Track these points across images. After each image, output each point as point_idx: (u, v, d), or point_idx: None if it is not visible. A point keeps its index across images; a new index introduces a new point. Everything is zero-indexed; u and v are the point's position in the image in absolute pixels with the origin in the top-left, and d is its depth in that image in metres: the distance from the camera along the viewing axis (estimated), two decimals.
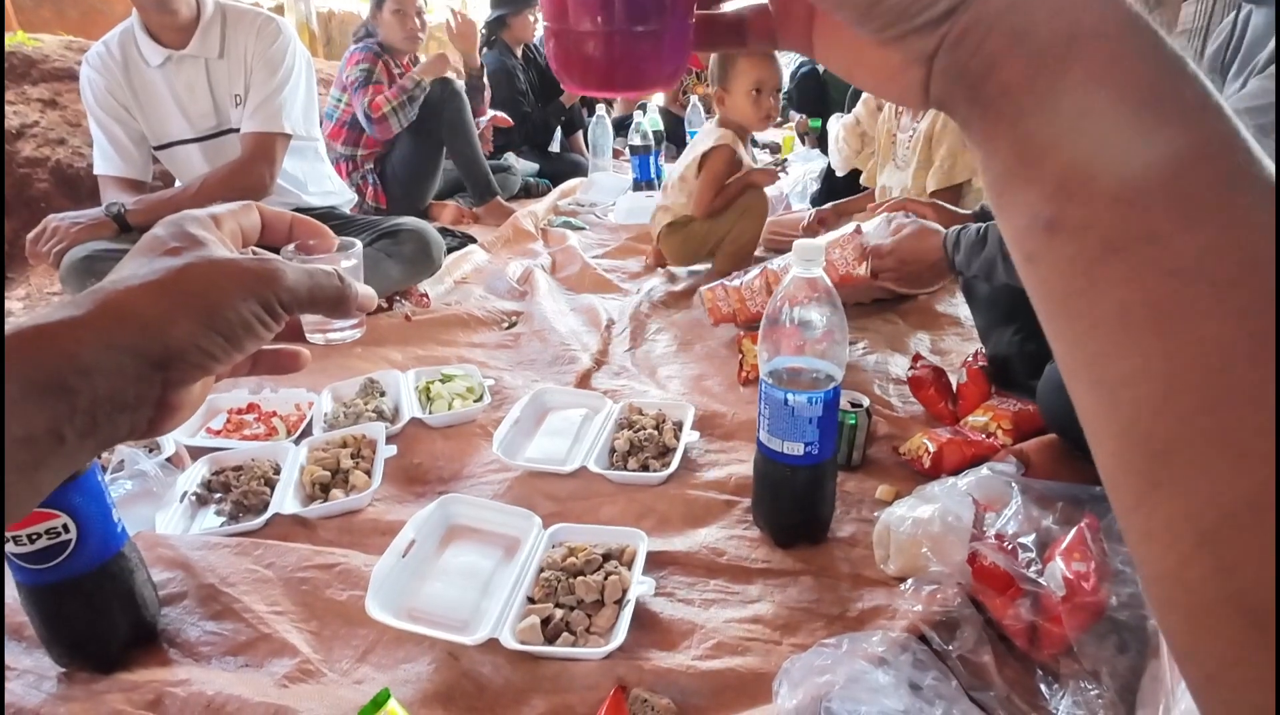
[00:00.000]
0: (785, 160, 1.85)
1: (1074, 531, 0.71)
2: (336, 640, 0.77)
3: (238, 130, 1.54)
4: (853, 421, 1.00)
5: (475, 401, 1.22)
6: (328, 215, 1.71)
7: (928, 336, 1.52)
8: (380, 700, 0.58)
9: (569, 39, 0.29)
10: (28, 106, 2.10)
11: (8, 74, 2.13)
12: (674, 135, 3.45)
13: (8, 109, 2.05)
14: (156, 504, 0.96)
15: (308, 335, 0.40)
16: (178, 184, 1.64)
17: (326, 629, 0.78)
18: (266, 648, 0.75)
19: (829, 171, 2.56)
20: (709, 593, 0.82)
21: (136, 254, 0.31)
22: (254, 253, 0.36)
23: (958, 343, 1.48)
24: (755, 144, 4.09)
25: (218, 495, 0.99)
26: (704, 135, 1.77)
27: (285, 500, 0.95)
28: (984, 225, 1.00)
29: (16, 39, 2.24)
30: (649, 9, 0.28)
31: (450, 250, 1.95)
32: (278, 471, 1.03)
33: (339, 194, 1.78)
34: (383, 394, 1.24)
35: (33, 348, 0.26)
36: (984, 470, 0.83)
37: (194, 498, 0.98)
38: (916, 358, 1.24)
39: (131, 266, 0.30)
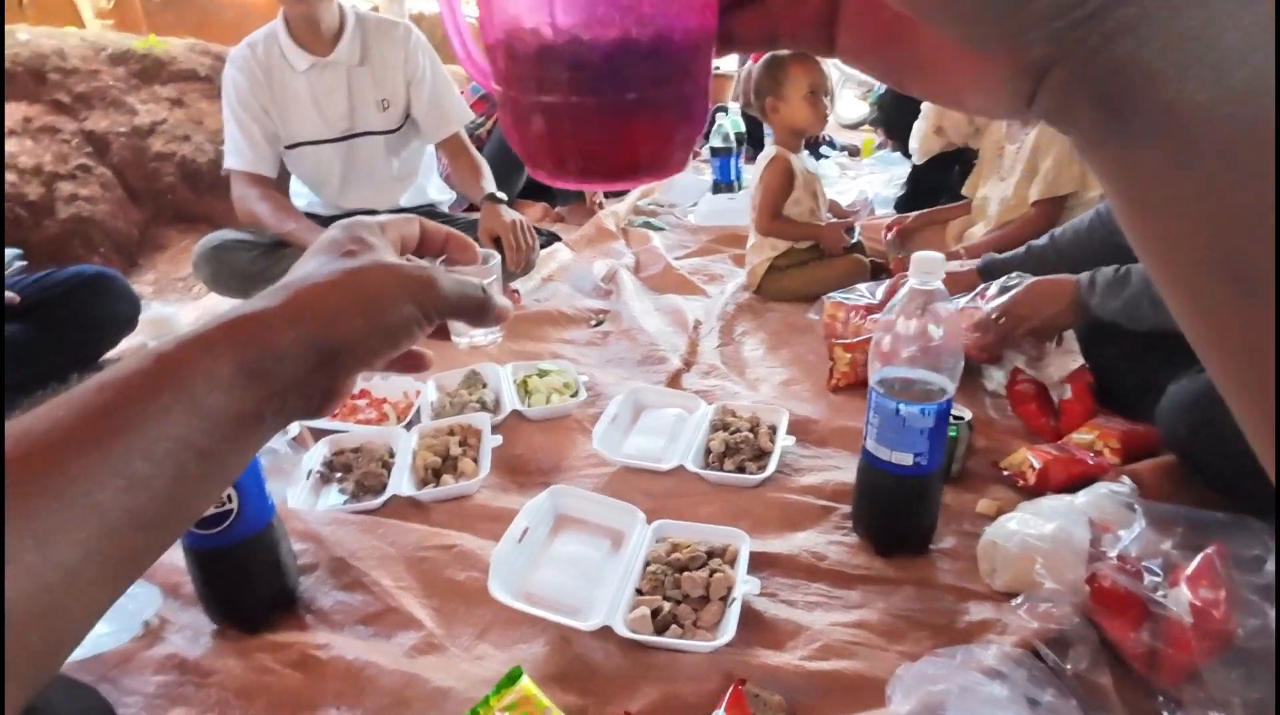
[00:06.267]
0: (857, 237, 1.82)
1: (1201, 558, 0.69)
2: (456, 617, 0.82)
3: (370, 134, 1.65)
4: (953, 433, 1.00)
5: (571, 397, 1.26)
6: (430, 213, 1.79)
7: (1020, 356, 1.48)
8: (514, 676, 0.62)
9: (531, 113, 0.22)
10: (158, 105, 2.27)
11: (142, 75, 2.30)
12: (754, 137, 3.44)
13: (141, 107, 2.22)
14: (285, 480, 1.03)
15: (453, 338, 0.44)
16: (294, 179, 1.75)
17: (447, 606, 0.83)
18: (394, 620, 0.81)
19: (914, 175, 2.52)
20: (811, 596, 0.83)
21: (317, 252, 0.34)
22: (409, 259, 0.38)
23: (1057, 357, 1.44)
24: (834, 147, 4.04)
25: (339, 474, 1.06)
26: (761, 161, 1.78)
27: (402, 483, 1.01)
28: (1124, 265, 0.95)
29: (148, 42, 2.42)
30: (649, 68, 0.21)
31: None
32: (392, 455, 1.09)
33: (440, 191, 1.87)
34: (484, 386, 1.29)
35: (242, 334, 0.29)
36: (1102, 489, 0.82)
37: (318, 475, 1.06)
38: (1016, 371, 1.22)
39: (314, 263, 0.33)
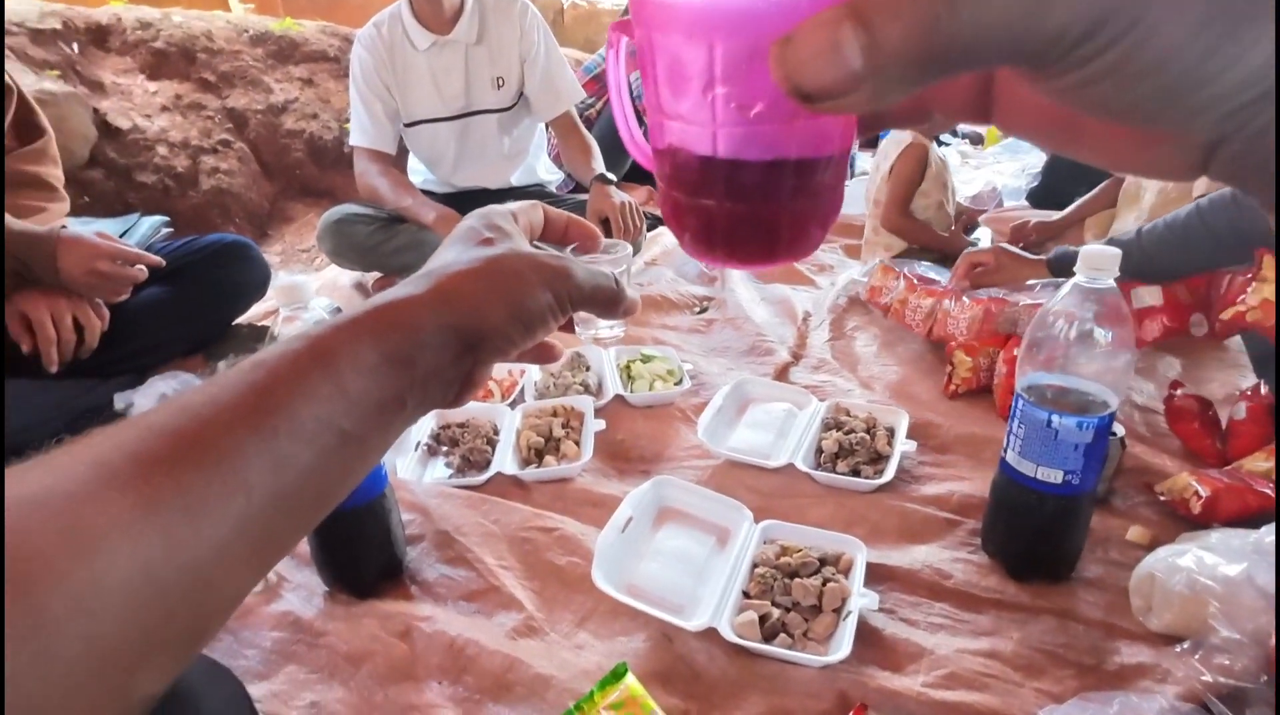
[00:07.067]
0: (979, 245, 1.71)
1: None
2: (556, 603, 0.80)
3: (485, 112, 1.67)
4: None
5: (675, 384, 1.23)
6: (538, 193, 1.80)
7: (1178, 361, 1.33)
8: (619, 673, 0.60)
9: (688, 208, 0.25)
10: (291, 84, 2.40)
11: (277, 55, 2.44)
12: None
13: (276, 86, 2.35)
14: (395, 450, 1.06)
15: (578, 330, 0.42)
16: (412, 157, 1.79)
17: (547, 590, 0.82)
18: (496, 599, 0.80)
19: (1050, 166, 2.32)
20: (934, 616, 0.77)
21: (455, 241, 0.33)
22: (537, 247, 0.38)
23: (1218, 370, 1.29)
24: (955, 134, 3.81)
25: (445, 448, 1.07)
26: (890, 144, 1.65)
27: (505, 461, 1.01)
28: None
29: (284, 24, 2.56)
30: (794, 182, 0.23)
31: None
32: (496, 432, 1.10)
33: (549, 171, 1.87)
34: (587, 368, 1.28)
35: (386, 322, 0.28)
36: None
37: (425, 447, 1.07)
38: (1175, 385, 1.09)
39: (453, 252, 0.32)
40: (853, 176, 2.67)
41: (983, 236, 1.81)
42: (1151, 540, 0.85)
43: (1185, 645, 0.67)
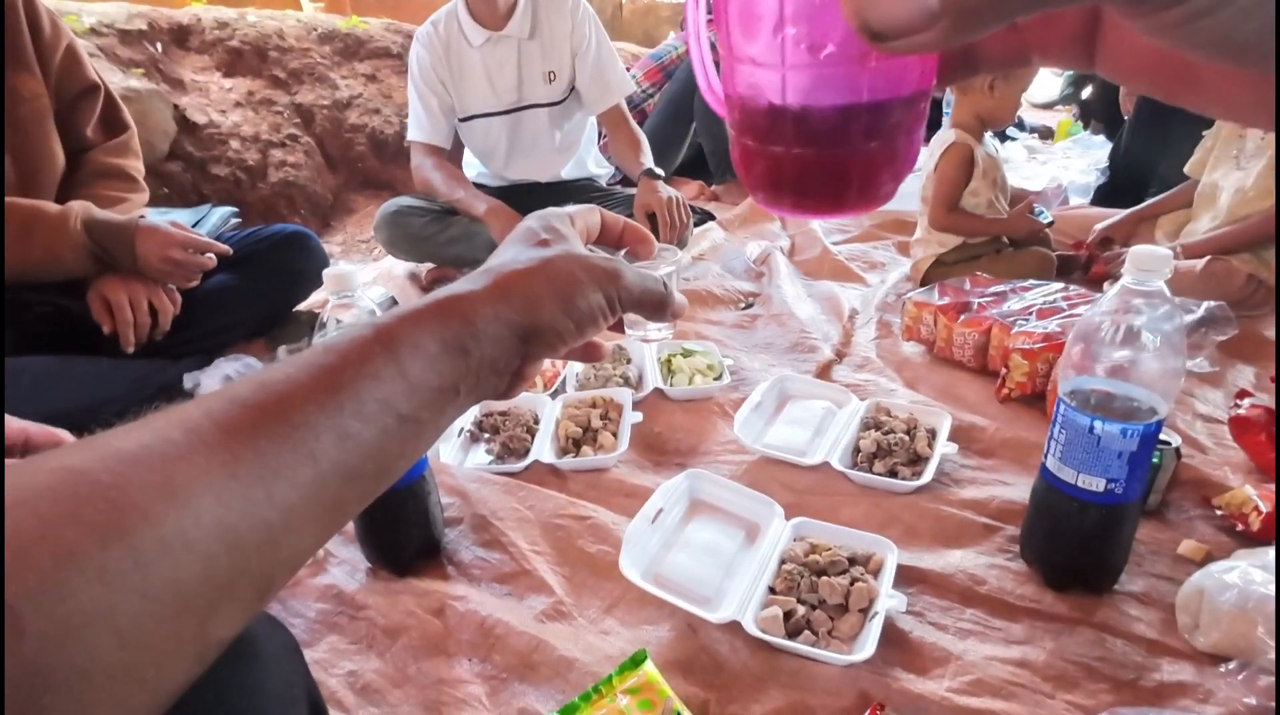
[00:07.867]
0: (1048, 217, 1.60)
1: None
2: (585, 589, 0.82)
3: (536, 106, 1.70)
4: (1155, 460, 0.86)
5: (715, 379, 1.23)
6: (588, 187, 1.82)
7: (1250, 369, 1.26)
8: (638, 660, 0.61)
9: (757, 155, 0.25)
10: (355, 80, 2.49)
11: (343, 52, 2.53)
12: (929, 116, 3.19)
13: (342, 82, 2.44)
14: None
15: (628, 330, 0.44)
16: (467, 151, 1.84)
17: (577, 576, 0.84)
18: (527, 582, 0.83)
19: (1116, 159, 2.22)
20: (964, 622, 0.75)
21: (514, 241, 0.35)
22: (591, 250, 0.40)
23: None
24: (1023, 128, 3.66)
25: (486, 435, 1.11)
26: (936, 142, 1.59)
27: (544, 449, 1.03)
28: None
29: (351, 22, 2.65)
30: (866, 128, 0.23)
31: None
32: (537, 421, 1.12)
33: (599, 164, 1.89)
34: (628, 361, 1.29)
35: (447, 314, 0.30)
36: None
37: (468, 434, 1.11)
38: (1242, 394, 1.03)
39: (512, 251, 0.34)
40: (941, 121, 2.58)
41: (1045, 210, 1.72)
42: (1205, 556, 0.81)
43: (1231, 665, 0.64)
